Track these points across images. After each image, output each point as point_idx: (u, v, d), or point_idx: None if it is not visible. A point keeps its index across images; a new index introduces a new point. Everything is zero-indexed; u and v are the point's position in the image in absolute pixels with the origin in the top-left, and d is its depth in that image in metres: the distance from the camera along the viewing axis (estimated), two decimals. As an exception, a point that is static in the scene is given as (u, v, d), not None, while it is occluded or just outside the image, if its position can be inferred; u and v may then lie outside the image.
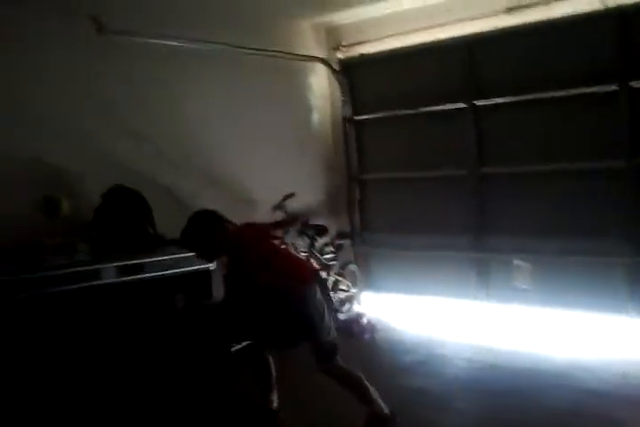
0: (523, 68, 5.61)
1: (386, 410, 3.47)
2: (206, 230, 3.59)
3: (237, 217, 5.35)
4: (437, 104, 6.18)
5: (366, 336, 5.52)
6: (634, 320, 5.10)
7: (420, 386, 4.25)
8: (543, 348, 4.98)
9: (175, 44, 5.02)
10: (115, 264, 4.05)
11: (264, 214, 5.36)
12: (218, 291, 4.67)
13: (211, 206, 5.23)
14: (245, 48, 5.55)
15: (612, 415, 3.67)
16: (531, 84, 5.55)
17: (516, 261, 5.15)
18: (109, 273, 4.00)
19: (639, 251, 5.12)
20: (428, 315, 6.18)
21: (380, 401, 3.47)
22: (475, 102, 5.93)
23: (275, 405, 3.74)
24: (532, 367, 4.56)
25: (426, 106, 6.26)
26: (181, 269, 4.46)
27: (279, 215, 5.45)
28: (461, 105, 6.01)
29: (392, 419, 3.46)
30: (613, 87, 5.12)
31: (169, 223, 4.71)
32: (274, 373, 3.77)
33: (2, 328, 3.46)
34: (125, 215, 4.47)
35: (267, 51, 5.78)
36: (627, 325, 5.11)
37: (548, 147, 5.58)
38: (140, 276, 4.18)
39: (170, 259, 4.43)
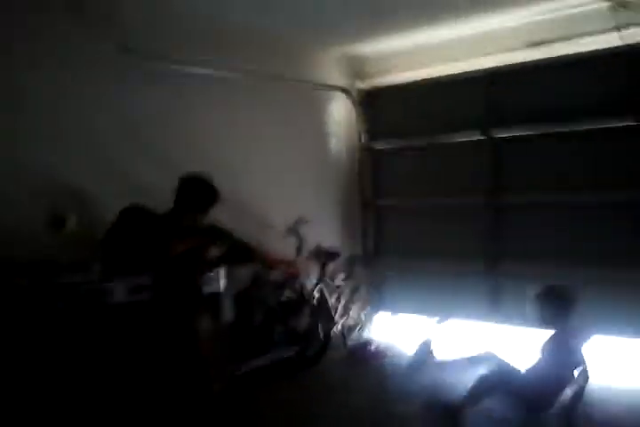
0: (540, 101, 5.71)
1: None
2: None
3: (254, 240, 5.51)
4: (455, 135, 6.28)
5: (375, 362, 5.52)
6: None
7: (424, 413, 4.20)
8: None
9: (198, 70, 5.20)
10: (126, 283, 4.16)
11: (277, 238, 5.48)
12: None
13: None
14: (269, 76, 5.74)
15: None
16: (548, 117, 5.64)
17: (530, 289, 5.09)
18: (120, 292, 4.10)
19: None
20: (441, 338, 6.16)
21: None
22: (492, 134, 6.02)
23: None
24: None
25: (443, 136, 6.37)
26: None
27: (292, 239, 5.56)
28: (479, 136, 6.10)
29: None
30: (631, 122, 5.20)
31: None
32: None
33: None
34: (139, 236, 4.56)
35: (290, 79, 6.01)
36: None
37: (565, 177, 5.63)
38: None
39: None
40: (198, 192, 3.55)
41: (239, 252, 3.72)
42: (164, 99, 5.06)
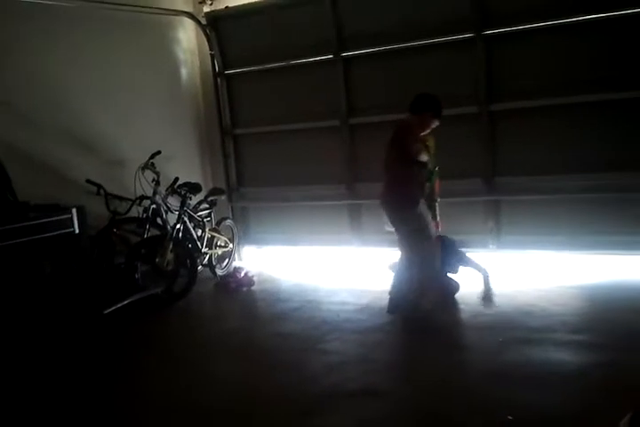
0: (383, 17, 5.77)
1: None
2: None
3: (109, 178, 5.35)
4: (307, 56, 6.23)
5: (244, 289, 5.64)
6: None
7: (291, 331, 4.41)
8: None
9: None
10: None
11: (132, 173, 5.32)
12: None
13: (81, 169, 5.24)
14: (109, 3, 5.42)
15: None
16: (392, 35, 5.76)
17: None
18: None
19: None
20: (306, 264, 6.41)
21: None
22: (342, 54, 6.05)
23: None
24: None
25: (295, 58, 6.29)
26: (46, 235, 4.40)
27: (149, 174, 5.41)
28: (329, 56, 6.10)
29: None
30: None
31: (36, 190, 4.64)
32: None
33: None
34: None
35: (131, 6, 5.66)
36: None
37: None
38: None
39: (34, 224, 4.35)
40: (436, 102, 4.38)
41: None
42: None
